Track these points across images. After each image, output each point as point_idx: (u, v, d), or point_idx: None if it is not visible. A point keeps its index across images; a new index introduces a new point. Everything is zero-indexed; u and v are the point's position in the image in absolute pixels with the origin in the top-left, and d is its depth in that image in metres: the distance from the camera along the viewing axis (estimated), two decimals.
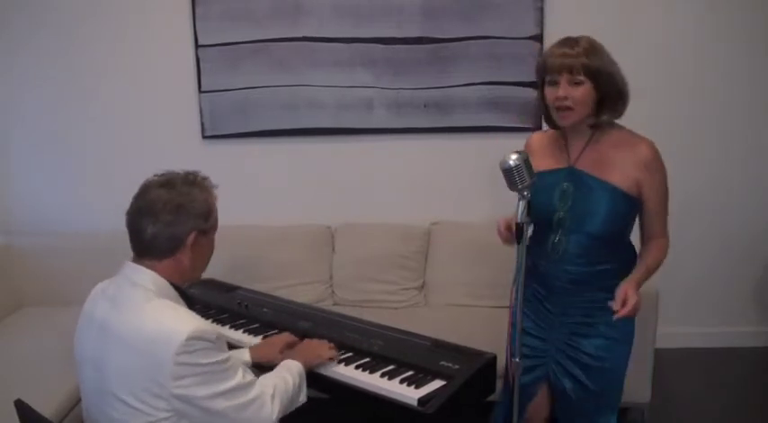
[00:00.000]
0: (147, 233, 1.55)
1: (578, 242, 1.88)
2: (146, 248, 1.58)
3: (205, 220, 1.60)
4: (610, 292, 1.84)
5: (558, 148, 1.93)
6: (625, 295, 1.77)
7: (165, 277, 1.58)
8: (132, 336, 1.48)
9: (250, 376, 1.60)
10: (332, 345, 1.97)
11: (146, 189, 1.60)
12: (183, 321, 1.49)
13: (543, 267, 1.95)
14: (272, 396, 1.62)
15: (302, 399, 1.78)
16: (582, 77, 1.78)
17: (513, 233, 1.71)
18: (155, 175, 1.64)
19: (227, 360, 1.54)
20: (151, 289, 1.55)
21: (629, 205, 1.86)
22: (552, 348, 2.00)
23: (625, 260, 1.94)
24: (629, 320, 1.90)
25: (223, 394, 1.50)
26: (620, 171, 1.83)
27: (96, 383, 1.55)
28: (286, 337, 2.05)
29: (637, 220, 1.94)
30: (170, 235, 1.56)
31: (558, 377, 2.00)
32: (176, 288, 1.61)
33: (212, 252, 1.69)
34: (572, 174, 1.88)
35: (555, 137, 1.97)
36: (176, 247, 1.57)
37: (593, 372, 1.95)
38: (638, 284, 1.84)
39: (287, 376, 1.73)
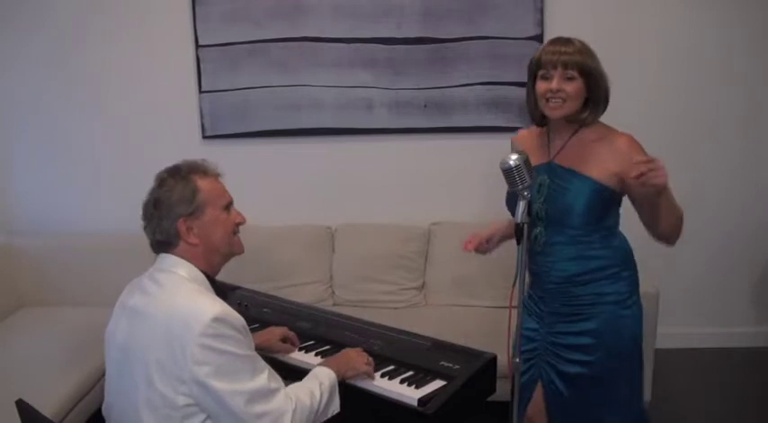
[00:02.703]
0: (147, 233, 1.64)
1: (562, 237, 1.90)
2: (155, 246, 1.65)
3: (188, 205, 1.61)
4: (604, 287, 1.89)
5: (542, 144, 1.97)
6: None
7: (193, 263, 1.62)
8: (163, 314, 1.51)
9: (275, 384, 1.56)
10: (369, 359, 1.87)
11: None
12: (211, 303, 1.52)
13: (535, 266, 1.97)
14: (294, 411, 1.54)
15: (334, 409, 1.68)
16: (575, 73, 1.83)
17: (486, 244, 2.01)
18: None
19: (253, 358, 1.54)
20: (183, 275, 1.60)
21: (606, 197, 1.88)
22: (541, 347, 2.01)
23: (619, 251, 1.94)
24: (629, 334, 1.93)
25: (242, 394, 1.48)
26: (599, 164, 1.86)
27: (121, 367, 1.57)
28: (285, 329, 2.09)
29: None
30: (161, 230, 1.61)
31: (549, 376, 2.00)
32: (210, 279, 1.65)
33: (227, 225, 1.69)
34: (550, 169, 1.92)
35: (539, 134, 2.01)
36: (174, 237, 1.61)
37: (580, 368, 1.95)
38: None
39: (315, 391, 1.63)
